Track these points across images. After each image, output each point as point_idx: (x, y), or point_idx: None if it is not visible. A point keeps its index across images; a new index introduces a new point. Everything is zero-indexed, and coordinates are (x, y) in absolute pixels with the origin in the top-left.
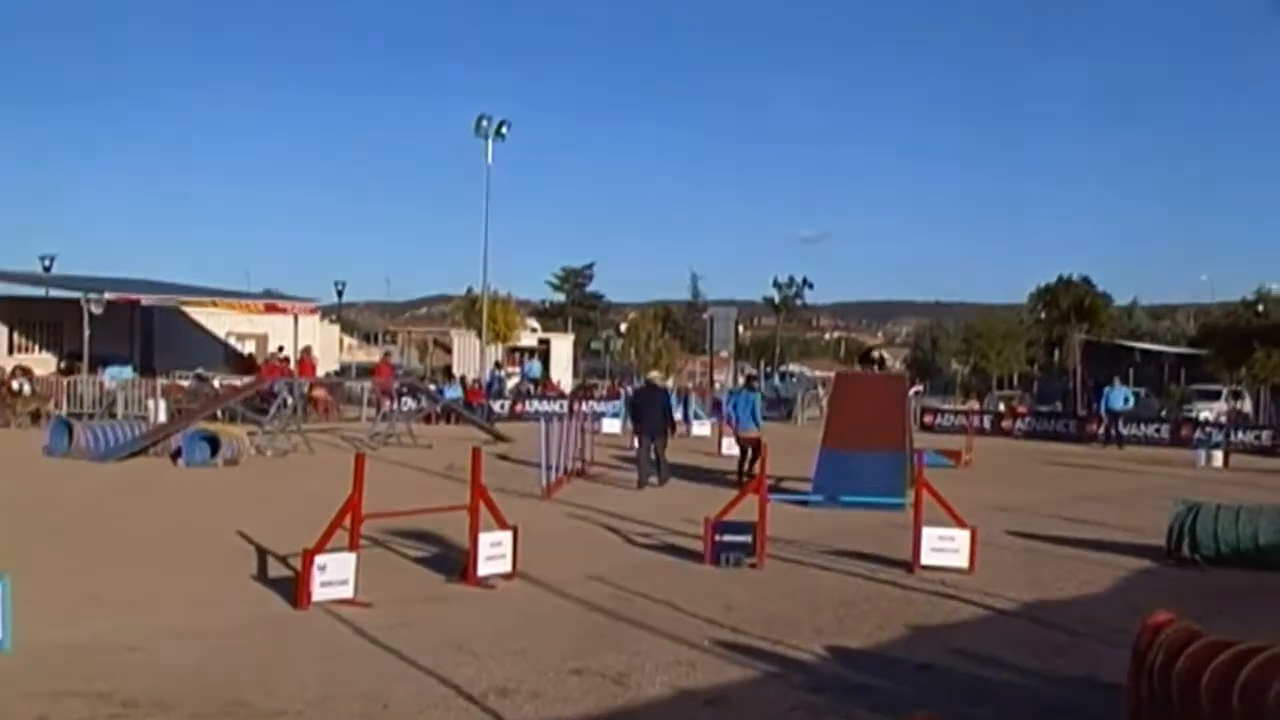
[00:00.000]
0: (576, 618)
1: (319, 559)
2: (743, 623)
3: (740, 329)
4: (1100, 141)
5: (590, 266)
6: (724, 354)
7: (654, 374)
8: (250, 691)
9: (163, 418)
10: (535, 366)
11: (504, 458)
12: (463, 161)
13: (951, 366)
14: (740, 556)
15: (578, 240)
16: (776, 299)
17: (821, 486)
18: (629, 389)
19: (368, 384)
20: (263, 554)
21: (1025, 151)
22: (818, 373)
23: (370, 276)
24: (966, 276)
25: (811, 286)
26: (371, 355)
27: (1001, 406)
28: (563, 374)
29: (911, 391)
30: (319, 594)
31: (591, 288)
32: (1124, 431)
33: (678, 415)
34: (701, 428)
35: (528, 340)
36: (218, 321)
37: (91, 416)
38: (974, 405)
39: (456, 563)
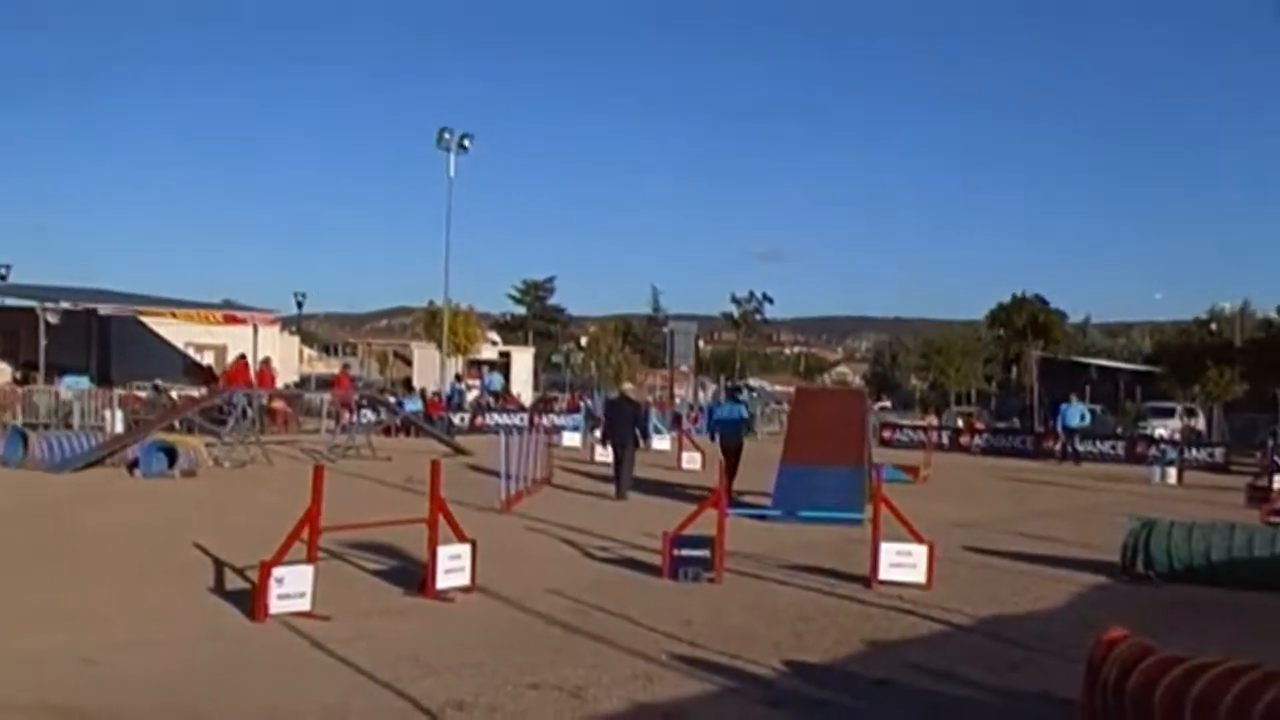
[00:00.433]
0: (534, 631)
1: (276, 571)
2: (701, 637)
3: (701, 344)
4: (1056, 160)
5: (551, 280)
6: (684, 368)
7: (627, 386)
8: (206, 705)
9: (120, 428)
10: (496, 379)
11: (476, 468)
12: (424, 174)
13: (911, 382)
14: (699, 571)
15: (539, 254)
16: (735, 314)
17: (780, 501)
18: (589, 401)
19: (327, 396)
20: (220, 566)
21: (983, 169)
22: (778, 388)
23: (330, 288)
24: (926, 293)
25: (771, 301)
26: (331, 367)
27: (960, 422)
28: (523, 387)
29: (877, 407)
30: (276, 606)
31: (552, 301)
32: (1080, 448)
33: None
34: (661, 441)
35: (488, 353)
36: (176, 332)
37: (47, 427)
38: (932, 421)
39: (415, 576)
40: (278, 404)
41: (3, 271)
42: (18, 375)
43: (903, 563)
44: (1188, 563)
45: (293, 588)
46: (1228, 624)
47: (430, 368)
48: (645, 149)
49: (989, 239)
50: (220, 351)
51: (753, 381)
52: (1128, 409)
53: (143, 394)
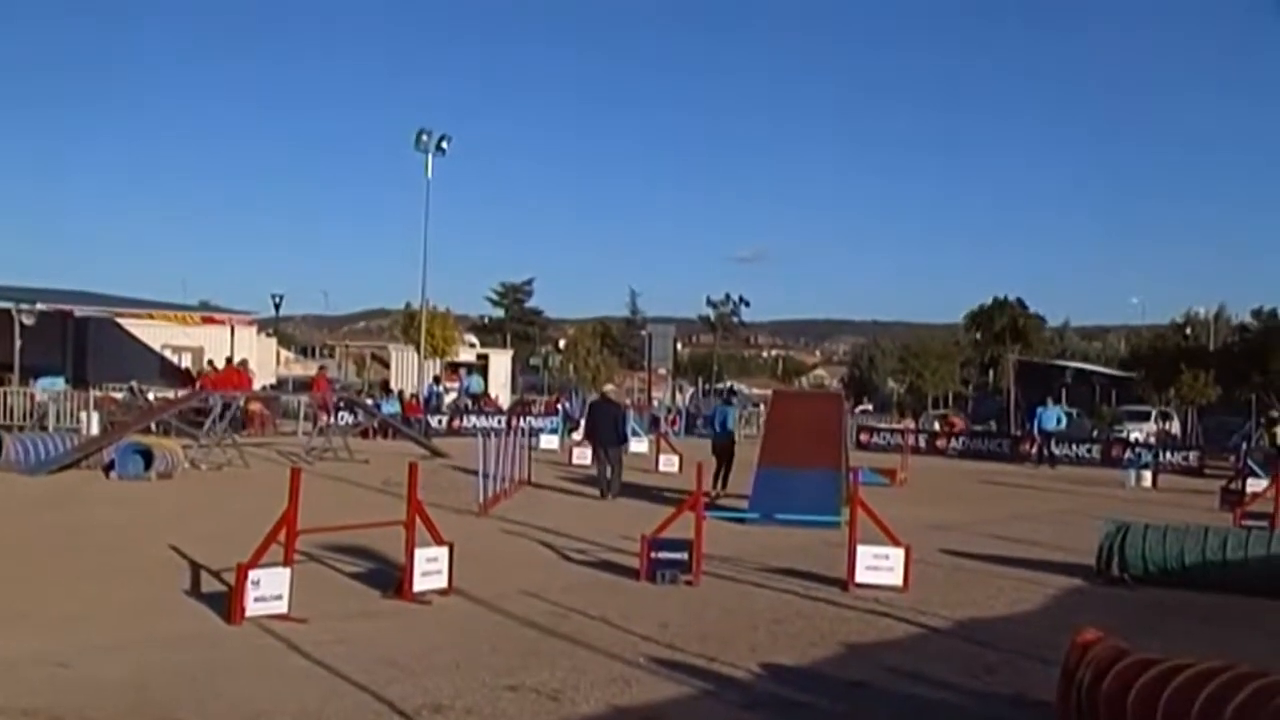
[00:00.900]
0: (512, 634)
1: (253, 574)
2: (678, 640)
3: (679, 346)
4: (1034, 164)
5: (529, 282)
6: (662, 371)
7: (609, 388)
8: (182, 708)
9: (95, 430)
10: (476, 381)
11: (454, 470)
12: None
13: (888, 385)
14: (676, 574)
15: (517, 256)
16: (712, 316)
17: (758, 504)
18: (567, 404)
19: (304, 398)
20: (196, 568)
21: (960, 173)
22: (756, 390)
23: (308, 290)
24: (903, 297)
25: (748, 304)
26: (309, 369)
27: (936, 426)
28: (501, 390)
29: (858, 410)
30: (253, 609)
31: (530, 304)
32: (1056, 451)
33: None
34: (639, 444)
35: (466, 356)
36: (153, 333)
37: (22, 428)
38: (909, 424)
39: (392, 578)
40: (255, 406)
41: None
42: None
43: (879, 565)
44: (1162, 565)
45: (269, 590)
46: (1201, 626)
47: (408, 370)
48: (624, 152)
49: (967, 243)
50: (198, 353)
51: (735, 384)
52: (1104, 412)
53: (119, 396)
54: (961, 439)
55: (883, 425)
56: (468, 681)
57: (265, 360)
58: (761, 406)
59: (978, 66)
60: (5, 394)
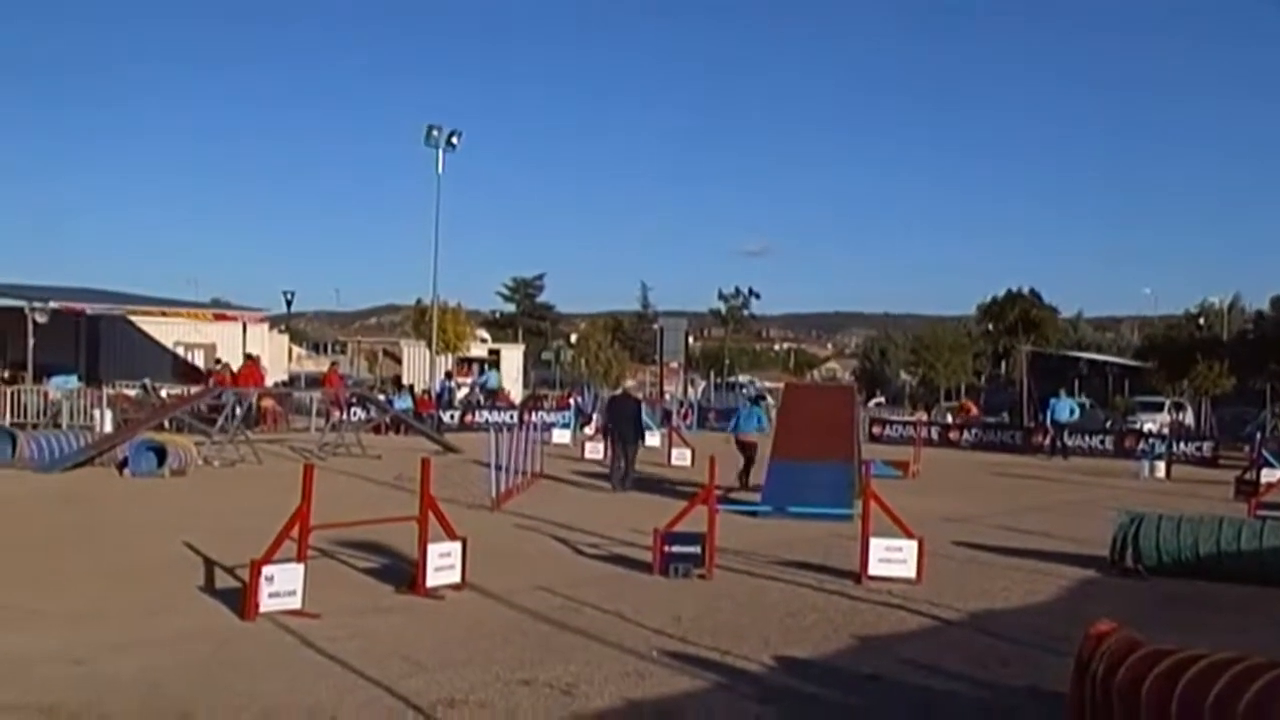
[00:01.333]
0: (525, 628)
1: (266, 570)
2: (691, 633)
3: (690, 340)
4: (1046, 155)
5: (541, 277)
6: (674, 365)
7: (629, 383)
8: (197, 704)
9: (109, 428)
10: (493, 377)
11: (466, 466)
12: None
13: (900, 378)
14: (689, 567)
15: (528, 251)
16: (723, 310)
17: (770, 497)
18: (579, 398)
19: (316, 394)
20: (210, 565)
21: (973, 165)
22: (768, 384)
23: (319, 286)
24: (915, 289)
25: (758, 297)
26: (320, 365)
27: (950, 418)
28: (513, 385)
29: (872, 404)
30: (266, 605)
31: (542, 298)
32: (1069, 443)
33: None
34: (651, 438)
35: (478, 351)
36: (165, 331)
37: (36, 426)
38: (922, 416)
39: (405, 573)
40: (267, 402)
41: None
42: (6, 375)
43: (892, 558)
44: (1176, 556)
45: (283, 586)
46: (1215, 617)
47: (419, 365)
48: (634, 146)
49: (979, 235)
50: (210, 350)
51: (743, 378)
52: (1117, 403)
53: (132, 393)
54: (974, 430)
55: (895, 418)
56: (481, 676)
57: (277, 357)
58: (769, 399)
59: (989, 59)
60: (19, 392)
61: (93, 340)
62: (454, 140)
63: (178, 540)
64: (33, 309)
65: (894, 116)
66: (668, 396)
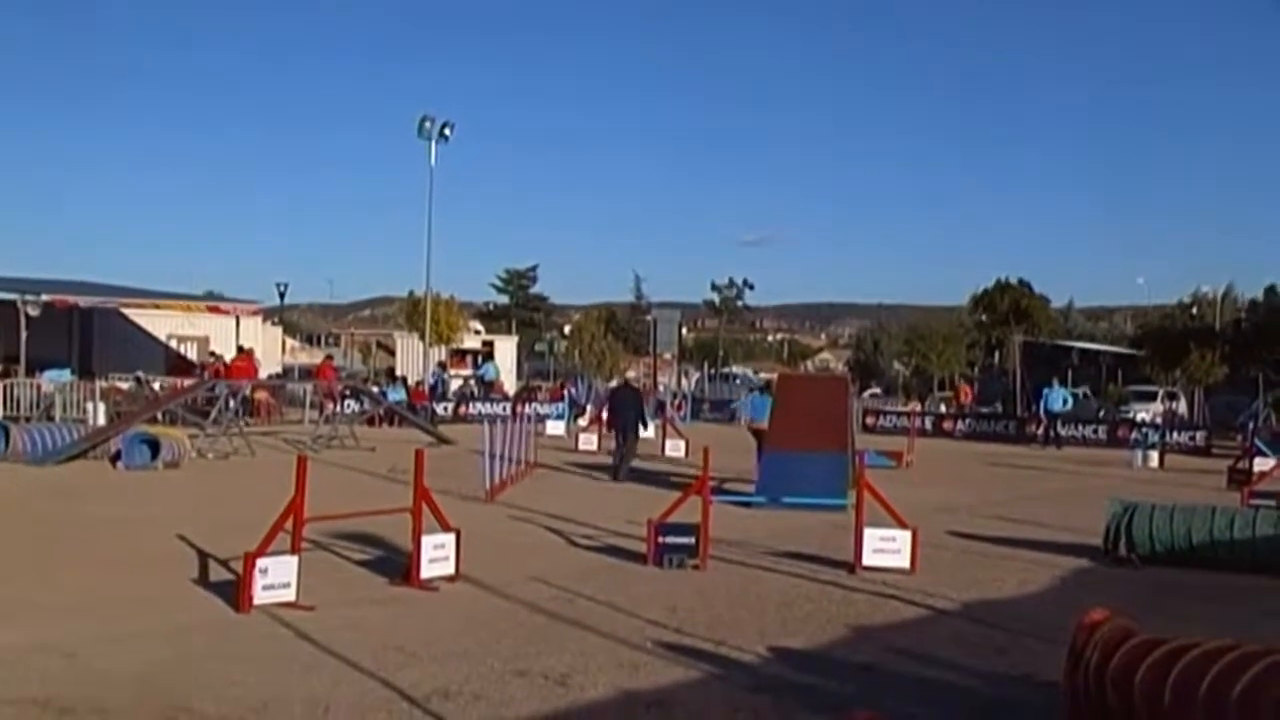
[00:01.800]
0: (519, 620)
1: (261, 562)
2: (685, 624)
3: (684, 331)
4: (1038, 144)
5: (534, 268)
6: (667, 356)
7: (630, 374)
8: (191, 696)
9: (102, 421)
10: (491, 368)
11: (460, 457)
12: (405, 162)
13: (893, 368)
14: (683, 558)
15: (521, 242)
16: (717, 301)
17: (764, 488)
18: (573, 390)
19: (310, 386)
20: (204, 557)
21: (964, 154)
22: (763, 374)
23: (312, 278)
24: (908, 279)
25: (752, 288)
26: (314, 357)
27: (942, 407)
28: (507, 376)
29: (868, 394)
30: (261, 597)
31: (535, 290)
32: (1062, 432)
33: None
34: (645, 429)
35: (471, 342)
36: (158, 324)
37: (29, 420)
38: (915, 406)
39: (399, 565)
40: (261, 395)
41: None
42: None
43: (886, 548)
44: (1169, 545)
45: (277, 578)
46: (1208, 606)
47: (413, 357)
48: (628, 136)
49: (971, 225)
50: (203, 343)
51: (737, 369)
52: (1110, 392)
53: (125, 386)
54: (968, 420)
55: (889, 408)
56: (476, 667)
57: (271, 349)
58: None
59: (980, 48)
60: (12, 385)
61: (86, 333)
62: (446, 131)
63: (172, 533)
64: (25, 302)
65: (886, 107)
66: (661, 388)
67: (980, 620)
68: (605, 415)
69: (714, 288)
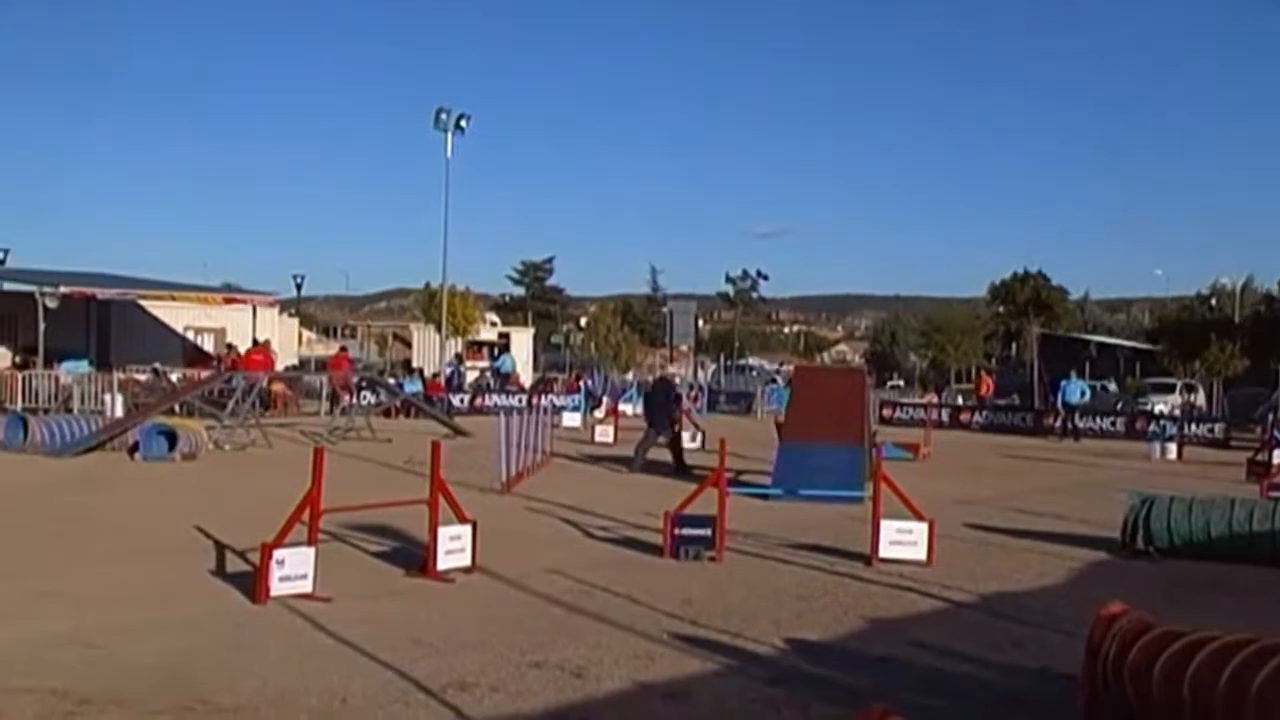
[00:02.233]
0: (536, 611)
1: (278, 553)
2: (702, 616)
3: (700, 323)
4: (1056, 135)
5: (550, 260)
6: (683, 348)
7: (669, 370)
8: (208, 687)
9: (120, 412)
10: (508, 360)
11: (484, 447)
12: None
13: (910, 360)
14: (699, 550)
15: (538, 234)
16: (731, 293)
17: (781, 480)
18: (589, 382)
19: (327, 378)
20: (221, 548)
21: (983, 145)
22: (768, 366)
23: (329, 270)
24: (925, 270)
25: (766, 279)
26: (330, 349)
27: (961, 399)
28: (523, 368)
29: (888, 386)
30: (277, 589)
31: (551, 281)
32: (1080, 425)
33: (633, 408)
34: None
35: (487, 334)
36: (175, 315)
37: (47, 411)
38: (932, 398)
39: (416, 557)
40: (278, 386)
41: (1, 256)
42: (17, 360)
43: (903, 540)
44: (1188, 538)
45: (294, 569)
46: (1227, 599)
47: (429, 349)
48: (644, 128)
49: (989, 216)
50: (220, 334)
51: (752, 360)
52: (1128, 385)
53: (142, 377)
54: (985, 412)
55: (906, 400)
56: (492, 659)
57: (287, 341)
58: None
59: (997, 37)
60: (30, 377)
61: (103, 325)
62: (463, 123)
63: (189, 524)
64: (43, 293)
65: (906, 98)
66: (677, 380)
67: (997, 613)
68: (643, 408)
69: (729, 280)
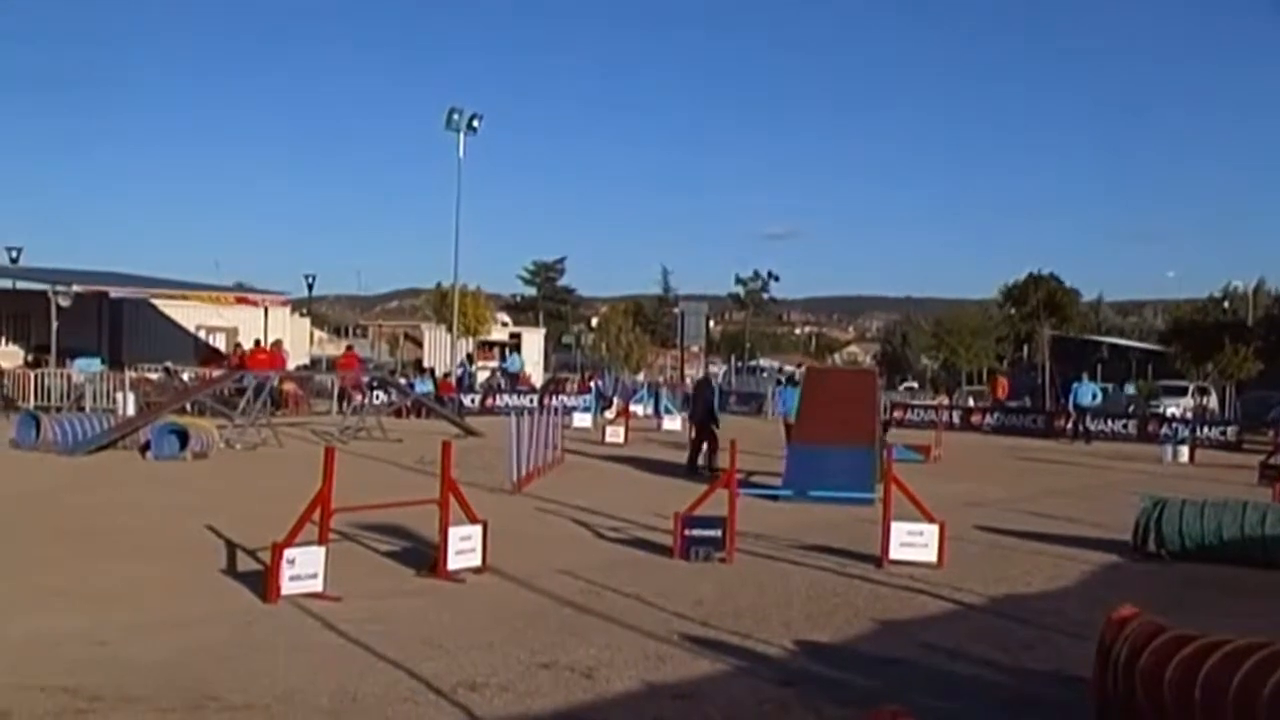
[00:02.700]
0: (546, 612)
1: (288, 552)
2: (712, 617)
3: (711, 324)
4: (1068, 137)
5: (561, 261)
6: (694, 348)
7: (712, 369)
8: (218, 685)
9: (131, 411)
10: (516, 360)
11: (495, 448)
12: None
13: (922, 361)
14: (710, 551)
15: (549, 235)
16: (741, 294)
17: (791, 481)
18: (599, 382)
19: (335, 377)
20: (232, 547)
21: (996, 147)
22: (789, 367)
23: (341, 270)
24: (937, 272)
25: (777, 279)
26: (341, 349)
27: (972, 402)
28: (534, 368)
29: (903, 388)
30: (288, 588)
31: (562, 282)
32: (1092, 427)
33: (644, 409)
34: (672, 421)
35: (498, 334)
36: (187, 314)
37: (59, 409)
38: (944, 400)
39: (426, 557)
40: (289, 386)
41: (14, 255)
42: (30, 358)
43: (914, 542)
44: (1199, 541)
45: (304, 569)
46: (1239, 602)
47: (440, 349)
48: (655, 129)
49: (1001, 218)
50: (231, 333)
51: (763, 361)
52: (1140, 387)
53: (154, 376)
54: (996, 414)
55: (916, 401)
56: (502, 659)
57: (299, 340)
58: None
59: (1010, 38)
60: (43, 375)
61: (115, 323)
62: (475, 123)
63: (200, 523)
64: (56, 292)
65: (916, 99)
66: (688, 380)
67: (1008, 615)
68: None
69: (739, 281)
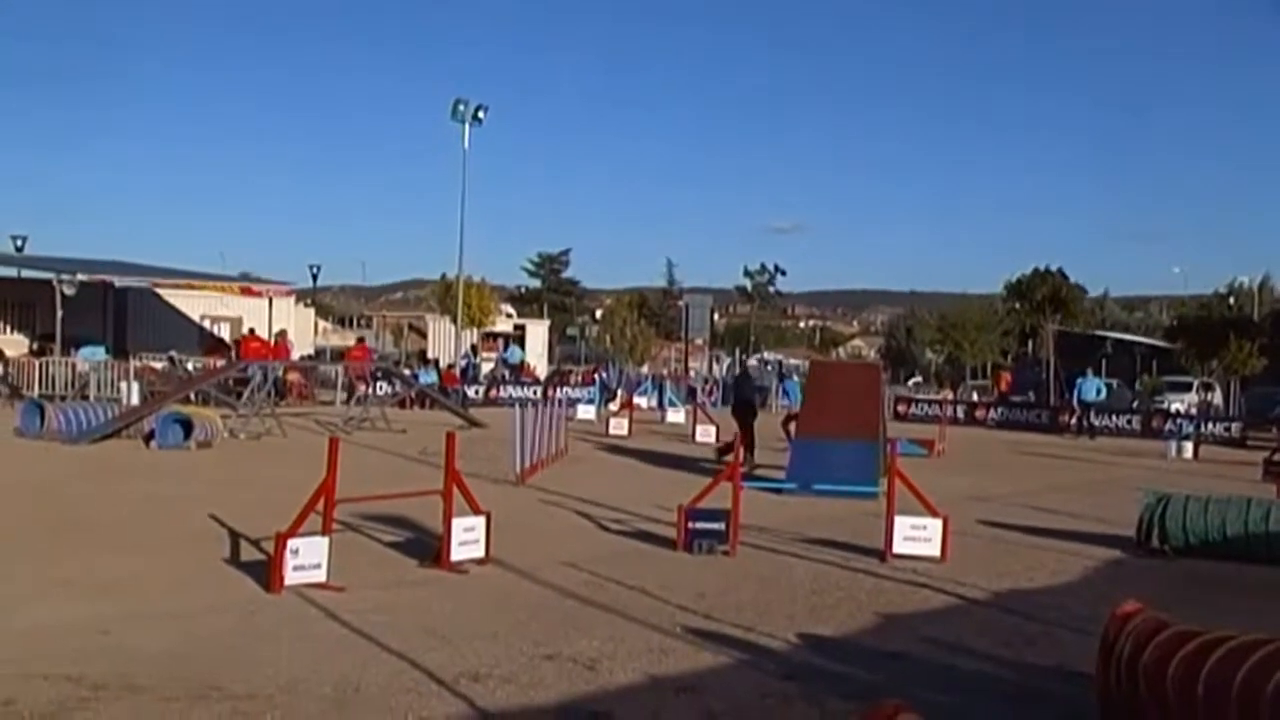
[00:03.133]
0: (549, 603)
1: (292, 543)
2: (715, 610)
3: (715, 317)
4: (1074, 132)
5: (566, 253)
6: (699, 341)
7: (751, 363)
8: (222, 675)
9: (136, 400)
10: (516, 352)
11: (498, 439)
12: (439, 146)
13: (926, 356)
14: (713, 544)
15: (554, 226)
16: (748, 287)
17: (795, 474)
18: (604, 374)
19: (342, 368)
20: (235, 537)
21: (1001, 142)
22: (793, 361)
23: (345, 261)
24: (942, 266)
25: (784, 273)
26: (346, 339)
27: (975, 397)
28: (538, 360)
29: (910, 383)
30: (291, 578)
31: (567, 274)
32: (1096, 422)
33: (648, 401)
34: (676, 414)
35: (503, 326)
36: (192, 304)
37: (64, 398)
38: (948, 395)
39: (430, 547)
40: (293, 376)
41: (19, 244)
42: (34, 347)
43: (917, 536)
44: (1203, 537)
45: (308, 559)
46: (1242, 598)
47: (445, 340)
48: (661, 122)
49: (1005, 212)
50: (236, 323)
51: (768, 355)
52: (1144, 383)
53: (158, 365)
54: (1000, 409)
55: (920, 396)
56: (505, 650)
57: (303, 331)
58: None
59: (1015, 33)
60: (47, 364)
61: (120, 312)
62: (480, 114)
63: (204, 513)
64: (61, 281)
65: (922, 95)
66: (693, 373)
67: (1011, 610)
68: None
69: (746, 273)
